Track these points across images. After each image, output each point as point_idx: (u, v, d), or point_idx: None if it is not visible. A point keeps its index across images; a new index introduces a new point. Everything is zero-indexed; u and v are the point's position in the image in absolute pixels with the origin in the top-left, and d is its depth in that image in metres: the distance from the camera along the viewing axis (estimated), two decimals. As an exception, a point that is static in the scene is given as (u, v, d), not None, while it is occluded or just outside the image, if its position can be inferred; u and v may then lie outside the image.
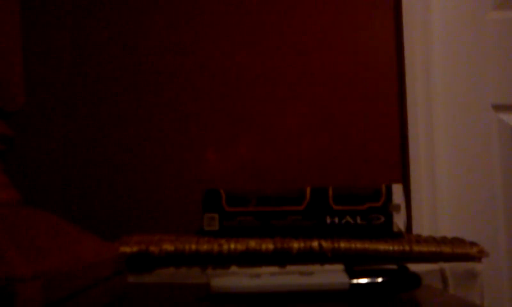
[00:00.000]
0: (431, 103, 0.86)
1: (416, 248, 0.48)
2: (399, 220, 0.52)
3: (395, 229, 0.52)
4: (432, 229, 0.83)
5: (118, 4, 0.86)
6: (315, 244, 0.48)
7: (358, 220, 0.52)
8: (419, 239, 0.53)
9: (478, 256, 0.48)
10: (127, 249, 0.48)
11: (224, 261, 0.48)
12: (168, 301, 0.36)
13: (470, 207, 0.86)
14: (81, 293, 0.27)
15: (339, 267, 0.46)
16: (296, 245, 0.48)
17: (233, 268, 0.48)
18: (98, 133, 0.84)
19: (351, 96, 0.85)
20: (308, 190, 0.54)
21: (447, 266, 0.48)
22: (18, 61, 0.33)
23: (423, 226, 0.82)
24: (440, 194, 0.85)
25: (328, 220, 0.52)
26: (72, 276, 0.26)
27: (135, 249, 0.48)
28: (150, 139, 0.84)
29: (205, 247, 0.48)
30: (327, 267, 0.48)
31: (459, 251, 0.48)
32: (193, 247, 0.48)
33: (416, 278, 0.36)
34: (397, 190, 0.52)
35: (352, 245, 0.47)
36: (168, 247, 0.48)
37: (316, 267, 0.48)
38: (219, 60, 0.86)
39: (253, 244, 0.48)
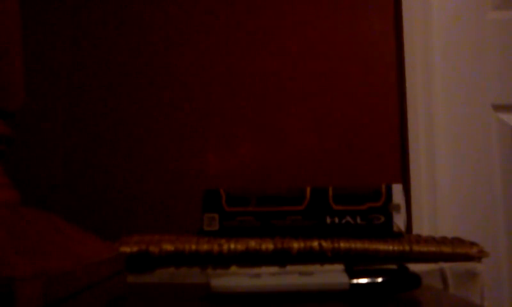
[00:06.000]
0: (431, 103, 0.86)
1: (416, 248, 0.48)
2: (399, 220, 0.52)
3: (395, 229, 0.52)
4: (432, 229, 0.83)
5: (118, 4, 0.86)
6: (315, 244, 0.48)
7: (358, 220, 0.52)
8: (419, 239, 0.53)
9: (478, 256, 0.48)
10: (127, 249, 0.48)
11: (224, 261, 0.48)
12: (168, 301, 0.36)
13: (470, 207, 0.86)
14: (81, 293, 0.27)
15: (339, 267, 0.46)
16: (295, 245, 0.48)
17: (233, 268, 0.48)
18: (98, 133, 0.84)
19: (351, 96, 0.85)
20: (308, 190, 0.54)
21: (447, 266, 0.48)
22: (18, 60, 0.33)
23: (423, 226, 0.82)
24: (440, 194, 0.85)
25: (328, 220, 0.52)
26: (72, 276, 0.26)
27: (135, 249, 0.48)
28: (150, 139, 0.84)
29: (205, 247, 0.48)
30: (327, 267, 0.48)
31: (459, 251, 0.48)
32: (193, 247, 0.48)
33: (416, 278, 0.36)
34: (397, 190, 0.52)
35: (352, 245, 0.47)
36: (168, 247, 0.48)
37: (316, 267, 0.48)
38: (219, 60, 0.86)
39: (253, 243, 0.48)
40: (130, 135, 0.84)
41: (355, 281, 0.35)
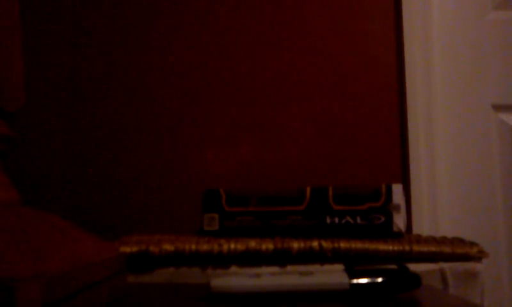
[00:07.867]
0: (431, 103, 0.86)
1: (416, 248, 0.48)
2: (399, 220, 0.52)
3: (395, 229, 0.52)
4: (432, 229, 0.83)
5: (118, 5, 0.86)
6: (315, 244, 0.48)
7: (358, 220, 0.52)
8: (419, 239, 0.53)
9: (478, 256, 0.48)
10: (127, 249, 0.48)
11: (224, 261, 0.48)
12: (168, 301, 0.36)
13: (470, 207, 0.86)
14: (81, 293, 0.27)
15: (339, 267, 0.46)
16: (296, 245, 0.48)
17: (233, 268, 0.48)
18: (98, 133, 0.84)
19: (351, 97, 0.85)
20: (308, 190, 0.54)
21: (447, 266, 0.48)
22: (18, 61, 0.33)
23: (423, 226, 0.82)
24: (439, 194, 0.85)
25: (328, 220, 0.52)
26: (72, 276, 0.26)
27: (135, 249, 0.48)
28: (150, 139, 0.84)
29: (205, 247, 0.48)
30: (327, 267, 0.48)
31: (459, 251, 0.48)
32: (193, 247, 0.48)
33: (416, 278, 0.36)
34: (397, 190, 0.52)
35: (352, 245, 0.47)
36: (168, 247, 0.48)
37: (316, 267, 0.48)
38: (219, 61, 0.86)
39: (253, 243, 0.48)
40: (130, 135, 0.84)
41: (355, 281, 0.35)
